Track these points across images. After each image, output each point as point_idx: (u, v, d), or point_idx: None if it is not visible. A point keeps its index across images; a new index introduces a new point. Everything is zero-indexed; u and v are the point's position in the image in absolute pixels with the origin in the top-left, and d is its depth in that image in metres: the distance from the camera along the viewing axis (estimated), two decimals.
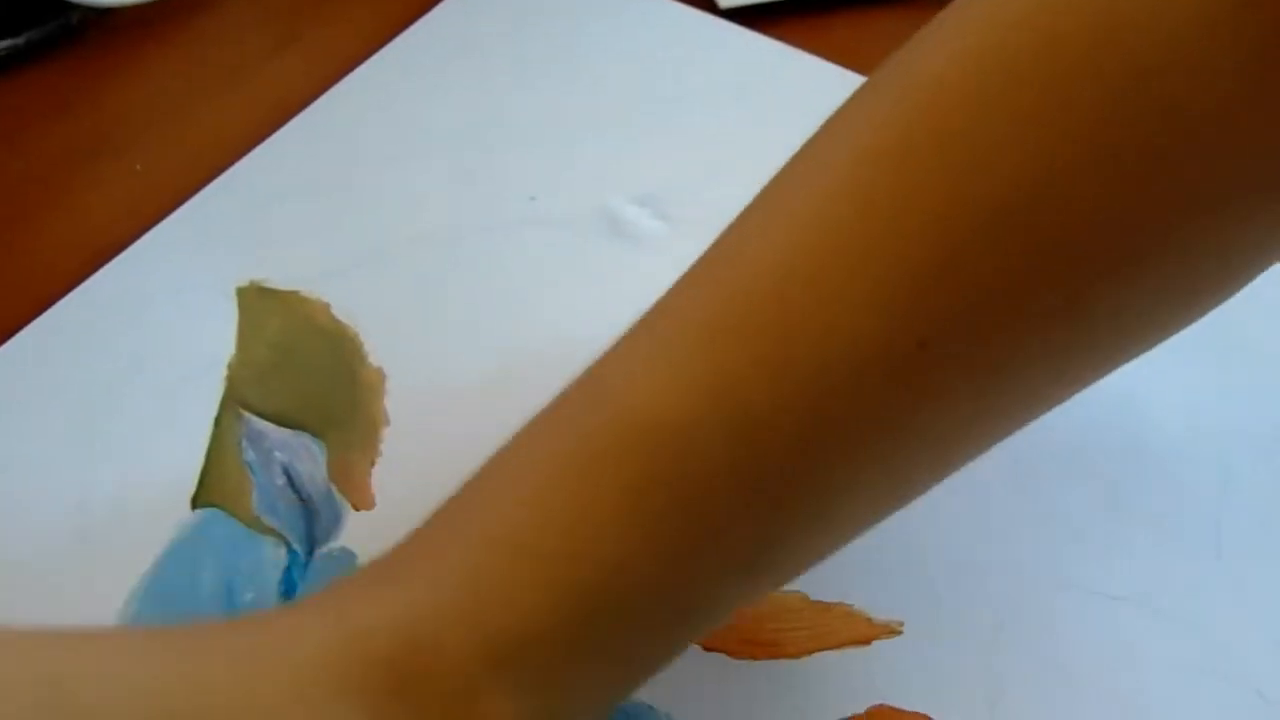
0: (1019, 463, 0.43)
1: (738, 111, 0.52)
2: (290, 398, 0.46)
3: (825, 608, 0.40)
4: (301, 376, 0.46)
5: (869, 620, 0.40)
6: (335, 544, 0.42)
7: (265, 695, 0.25)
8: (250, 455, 0.44)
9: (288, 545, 0.42)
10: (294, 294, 0.48)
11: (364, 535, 0.42)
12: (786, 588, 0.40)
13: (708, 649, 0.39)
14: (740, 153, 0.50)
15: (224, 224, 0.51)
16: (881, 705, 0.38)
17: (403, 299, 0.48)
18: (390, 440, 0.44)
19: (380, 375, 0.46)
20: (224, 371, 0.46)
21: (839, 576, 0.40)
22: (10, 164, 0.52)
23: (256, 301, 0.48)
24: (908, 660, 0.39)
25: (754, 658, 0.39)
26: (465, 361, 0.46)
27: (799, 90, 0.52)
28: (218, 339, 0.47)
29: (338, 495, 0.43)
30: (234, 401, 0.46)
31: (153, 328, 0.47)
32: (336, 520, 0.43)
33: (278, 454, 0.44)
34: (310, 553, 0.42)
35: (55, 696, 0.23)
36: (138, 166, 0.53)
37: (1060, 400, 0.32)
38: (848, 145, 0.30)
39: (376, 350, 0.47)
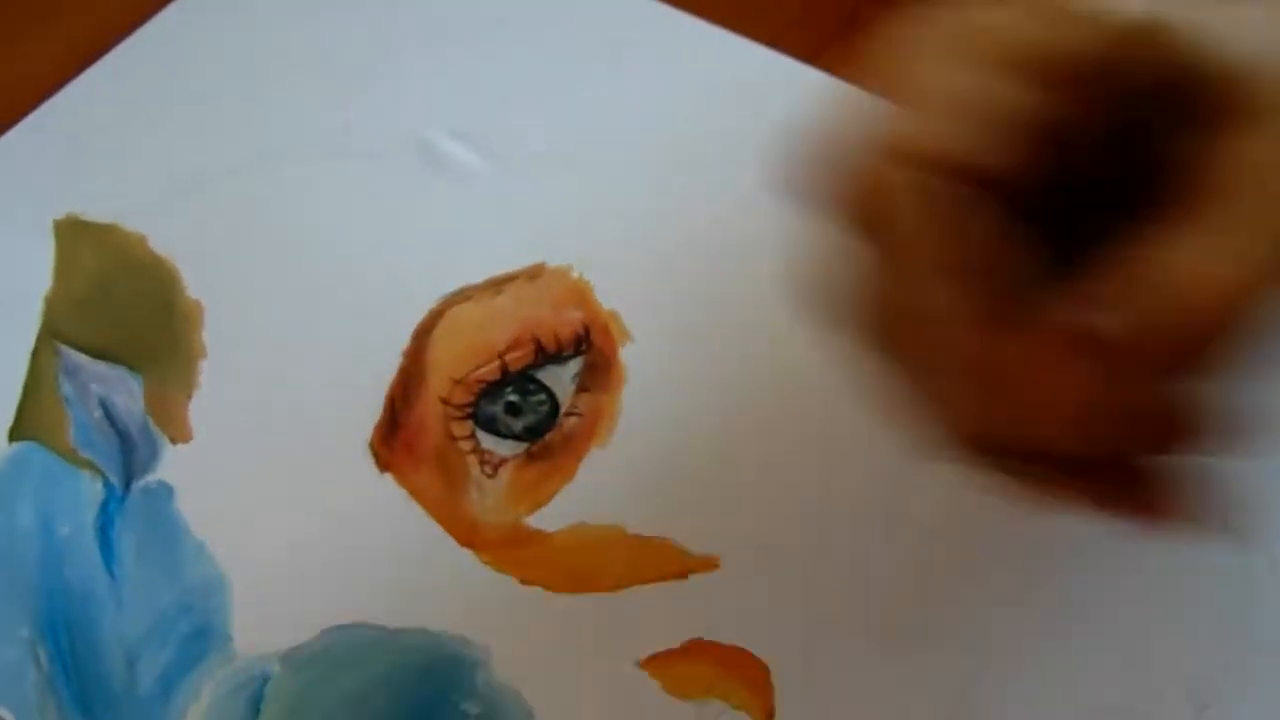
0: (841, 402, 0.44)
1: (557, 46, 0.52)
2: (107, 331, 0.46)
3: (643, 541, 0.41)
4: (119, 309, 0.47)
5: (686, 554, 0.41)
6: (152, 477, 0.43)
7: None
8: (67, 388, 0.45)
9: (105, 478, 0.43)
10: (111, 227, 0.49)
11: (181, 468, 0.43)
12: (604, 521, 0.41)
13: (525, 583, 0.40)
14: (559, 88, 0.51)
15: (40, 158, 0.51)
16: (698, 639, 0.39)
17: (220, 232, 0.48)
18: (208, 373, 0.45)
19: (198, 308, 0.47)
20: (41, 305, 0.47)
21: (657, 510, 0.41)
22: None
23: (73, 235, 0.48)
24: (724, 595, 0.40)
25: (572, 591, 0.40)
26: (283, 295, 0.47)
27: (618, 26, 0.53)
28: (35, 272, 0.48)
29: (155, 428, 0.44)
30: (51, 335, 0.46)
31: None
32: (153, 453, 0.44)
33: (94, 387, 0.45)
34: (127, 486, 0.43)
35: None
36: None
37: None
38: None
39: (194, 283, 0.47)
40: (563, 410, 0.43)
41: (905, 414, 0.34)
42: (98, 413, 0.44)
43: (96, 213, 0.49)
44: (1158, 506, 0.34)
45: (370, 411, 0.44)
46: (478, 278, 0.46)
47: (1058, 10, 0.33)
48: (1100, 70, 0.33)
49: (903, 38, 0.34)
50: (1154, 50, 0.33)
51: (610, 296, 0.45)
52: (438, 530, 0.41)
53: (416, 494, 0.42)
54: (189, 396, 0.45)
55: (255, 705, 0.39)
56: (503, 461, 0.42)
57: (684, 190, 0.46)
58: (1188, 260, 0.32)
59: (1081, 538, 0.40)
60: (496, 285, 0.46)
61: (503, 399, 0.43)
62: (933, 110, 0.31)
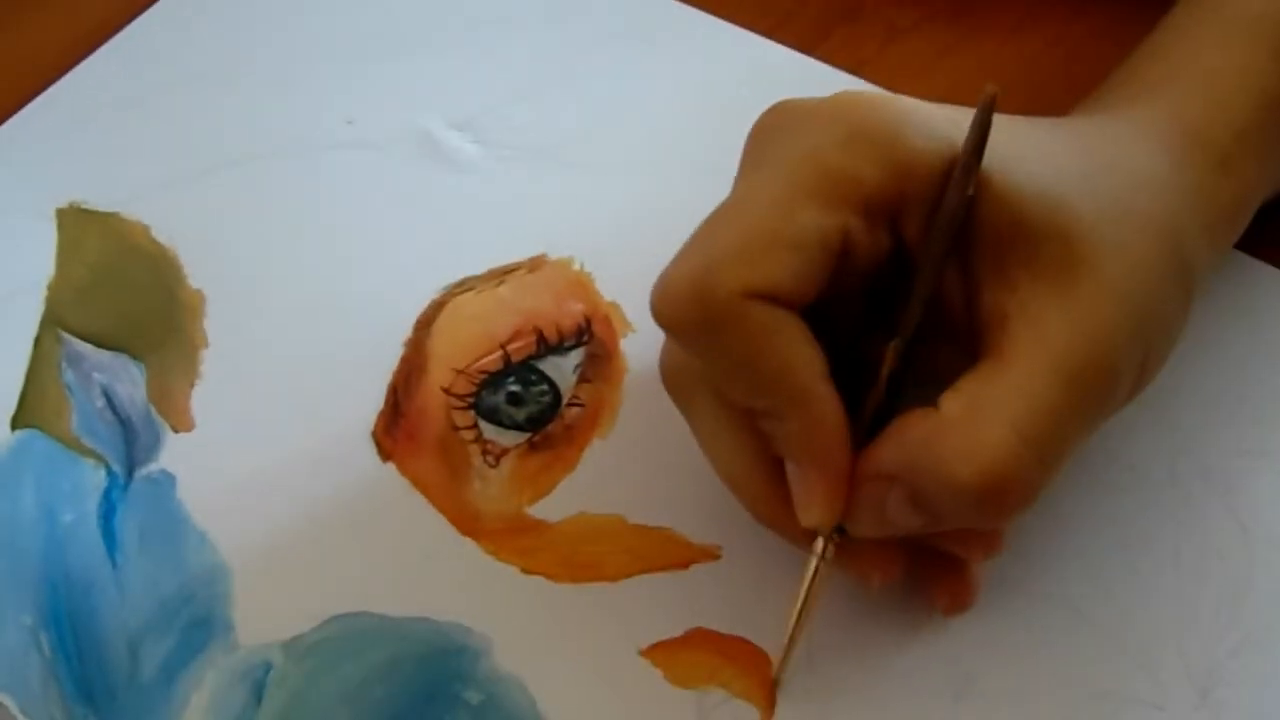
0: None
1: (558, 39, 0.52)
2: (110, 319, 0.46)
3: (645, 531, 0.41)
4: (121, 298, 0.47)
5: (688, 544, 0.41)
6: (154, 465, 0.43)
7: (1131, 141, 0.38)
8: (69, 376, 0.45)
9: (107, 467, 0.43)
10: (113, 215, 0.49)
11: (183, 457, 0.43)
12: (606, 511, 0.42)
13: (527, 572, 0.41)
14: (558, 78, 0.52)
15: (43, 146, 0.51)
16: (699, 628, 0.39)
17: (222, 221, 0.48)
18: (209, 362, 0.45)
19: (200, 297, 0.47)
20: (43, 293, 0.47)
21: (658, 500, 0.41)
22: None
23: (76, 223, 0.49)
24: (725, 584, 0.40)
25: (574, 581, 0.40)
26: (284, 285, 0.47)
27: (617, 18, 0.53)
28: (38, 260, 0.48)
29: (157, 417, 0.44)
30: (53, 323, 0.46)
31: None
32: (155, 441, 0.44)
33: (97, 375, 0.45)
34: (129, 474, 0.43)
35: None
36: None
37: None
38: None
39: (196, 272, 0.47)
40: (564, 400, 0.43)
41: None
42: (100, 401, 0.44)
43: (99, 201, 0.49)
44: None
45: (372, 401, 0.44)
46: (479, 269, 0.46)
47: (883, 146, 0.34)
48: (921, 205, 0.34)
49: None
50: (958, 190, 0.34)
51: (611, 288, 0.45)
52: (440, 520, 0.42)
53: (418, 483, 0.42)
54: (191, 385, 0.45)
55: (257, 694, 0.39)
56: (505, 451, 0.42)
57: (684, 180, 0.46)
58: (954, 441, 0.33)
59: (1082, 525, 0.40)
60: (498, 276, 0.46)
61: (505, 389, 0.43)
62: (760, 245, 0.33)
